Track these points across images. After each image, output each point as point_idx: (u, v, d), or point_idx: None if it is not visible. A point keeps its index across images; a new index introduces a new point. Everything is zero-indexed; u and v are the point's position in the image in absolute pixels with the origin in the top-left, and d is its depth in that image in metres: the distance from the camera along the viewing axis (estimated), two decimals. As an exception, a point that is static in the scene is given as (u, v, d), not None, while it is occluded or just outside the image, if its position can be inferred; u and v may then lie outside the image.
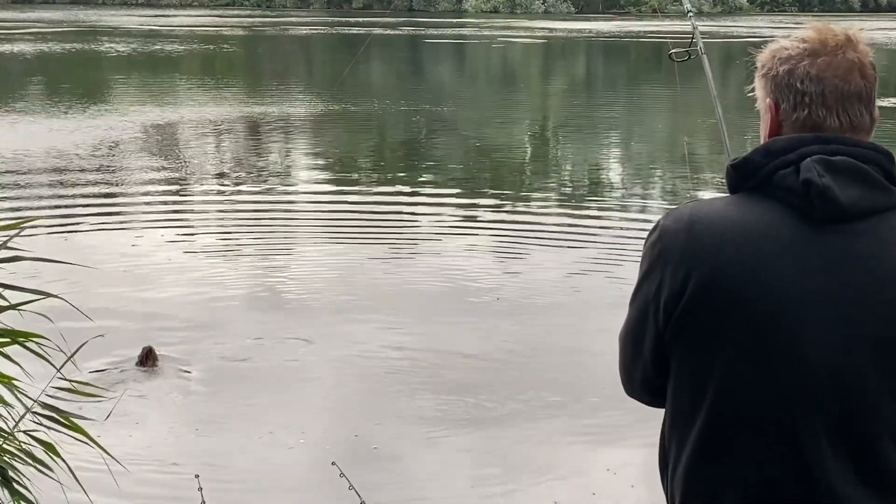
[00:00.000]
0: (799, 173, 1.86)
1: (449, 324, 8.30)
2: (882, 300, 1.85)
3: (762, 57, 2.02)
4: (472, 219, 12.67)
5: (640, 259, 2.03)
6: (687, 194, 14.14)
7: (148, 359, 7.22)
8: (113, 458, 3.51)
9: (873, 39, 2.03)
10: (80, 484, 3.39)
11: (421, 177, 15.74)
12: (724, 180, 2.01)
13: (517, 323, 8.41)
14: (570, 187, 15.91)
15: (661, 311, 1.94)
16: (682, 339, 1.94)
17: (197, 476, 4.14)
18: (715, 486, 1.93)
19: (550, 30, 54.17)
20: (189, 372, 7.30)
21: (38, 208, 12.47)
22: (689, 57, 4.39)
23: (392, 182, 15.16)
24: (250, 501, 5.48)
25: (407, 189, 14.50)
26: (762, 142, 2.00)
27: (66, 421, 3.35)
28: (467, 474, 5.89)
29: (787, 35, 2.02)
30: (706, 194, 13.52)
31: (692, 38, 4.39)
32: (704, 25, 42.53)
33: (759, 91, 2.03)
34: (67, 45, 39.69)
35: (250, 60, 39.41)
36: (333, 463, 4.02)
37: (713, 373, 1.90)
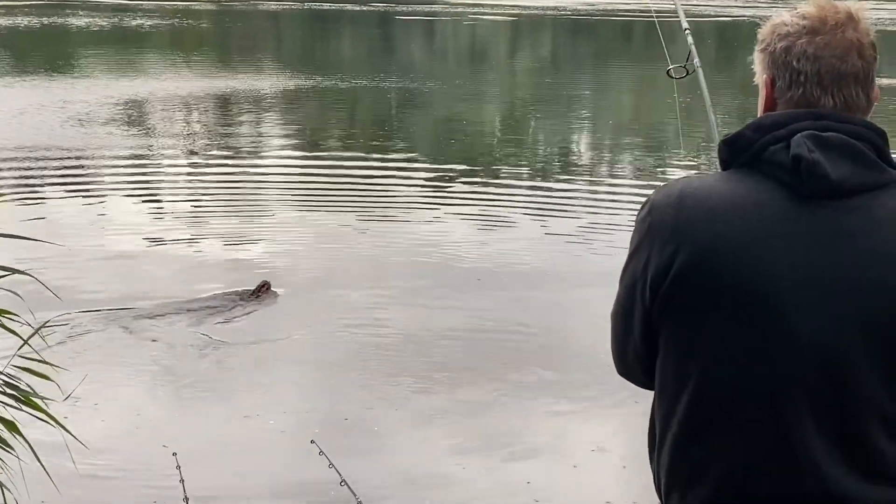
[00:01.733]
0: (790, 149, 1.85)
1: (428, 298, 8.33)
2: (871, 278, 1.83)
3: (763, 31, 2.00)
4: (445, 191, 12.70)
5: (626, 235, 2.01)
6: (659, 167, 14.19)
7: (262, 290, 7.64)
8: (76, 438, 3.50)
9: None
10: (39, 461, 3.38)
11: (393, 151, 15.70)
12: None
13: (496, 297, 8.45)
14: (541, 161, 15.96)
15: (649, 288, 1.93)
16: (669, 315, 1.92)
17: (175, 454, 4.12)
18: (700, 465, 1.92)
19: (522, 7, 53.94)
20: (164, 347, 7.27)
21: (4, 185, 12.33)
22: (687, 74, 4.39)
23: (364, 156, 15.08)
24: (228, 480, 5.44)
25: (378, 163, 14.50)
26: (758, 117, 2.00)
27: (25, 399, 3.34)
28: (449, 450, 5.90)
29: (790, 7, 2.00)
30: (679, 172, 13.59)
31: (689, 55, 4.39)
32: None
33: (758, 66, 2.02)
34: (35, 19, 39.17)
35: (220, 35, 39.04)
36: (312, 441, 4.02)
37: (699, 350, 1.89)
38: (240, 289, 8.23)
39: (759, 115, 2.01)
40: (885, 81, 24.61)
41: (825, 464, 1.85)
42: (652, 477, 2.06)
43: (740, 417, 1.88)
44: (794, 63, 1.93)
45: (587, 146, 17.66)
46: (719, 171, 2.00)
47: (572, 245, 9.99)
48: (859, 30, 1.93)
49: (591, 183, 13.67)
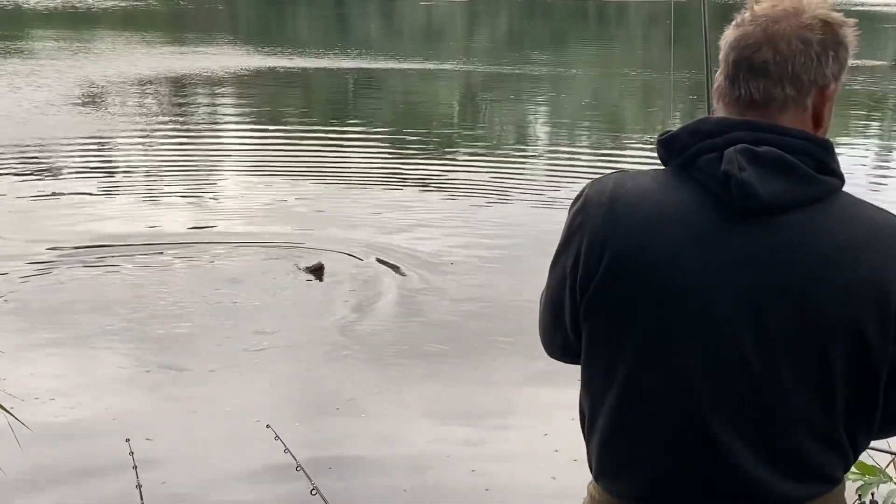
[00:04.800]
0: (721, 160, 1.80)
1: (394, 277, 8.34)
2: (797, 296, 1.79)
3: (722, 49, 1.97)
4: (401, 170, 12.79)
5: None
6: (615, 144, 14.27)
7: (318, 272, 8.00)
8: (21, 422, 3.43)
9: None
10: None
11: (351, 130, 15.71)
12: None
13: (462, 275, 8.50)
14: (496, 141, 16.06)
15: (577, 287, 1.91)
16: (595, 317, 1.91)
17: (128, 440, 4.05)
18: (624, 461, 1.94)
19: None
20: (123, 327, 7.21)
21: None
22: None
23: (322, 135, 15.08)
24: (183, 470, 5.36)
25: (336, 141, 14.51)
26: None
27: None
28: (422, 424, 5.89)
29: None
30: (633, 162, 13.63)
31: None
32: (631, -17, 42.73)
33: (720, 66, 1.97)
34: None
35: (174, 15, 38.72)
36: (268, 426, 3.96)
37: (623, 354, 1.88)
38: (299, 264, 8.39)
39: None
40: (857, 62, 24.90)
41: (749, 467, 1.85)
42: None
43: (663, 421, 1.87)
44: (720, 54, 1.91)
45: (542, 126, 17.74)
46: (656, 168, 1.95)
47: (530, 225, 10.02)
48: (789, 25, 1.86)
49: (550, 161, 13.80)
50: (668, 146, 1.89)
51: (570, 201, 1.98)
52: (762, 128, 1.83)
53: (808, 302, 1.79)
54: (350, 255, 8.87)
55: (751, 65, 1.86)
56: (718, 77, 1.92)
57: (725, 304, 1.81)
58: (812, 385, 1.82)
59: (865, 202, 1.88)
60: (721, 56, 1.91)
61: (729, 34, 1.90)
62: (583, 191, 1.94)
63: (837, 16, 1.89)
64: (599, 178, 1.96)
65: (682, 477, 1.88)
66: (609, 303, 1.87)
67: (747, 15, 1.89)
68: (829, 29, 1.87)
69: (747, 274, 1.80)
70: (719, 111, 1.92)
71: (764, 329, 1.80)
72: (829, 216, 1.82)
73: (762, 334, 1.80)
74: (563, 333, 2.02)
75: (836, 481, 1.93)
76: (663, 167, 1.92)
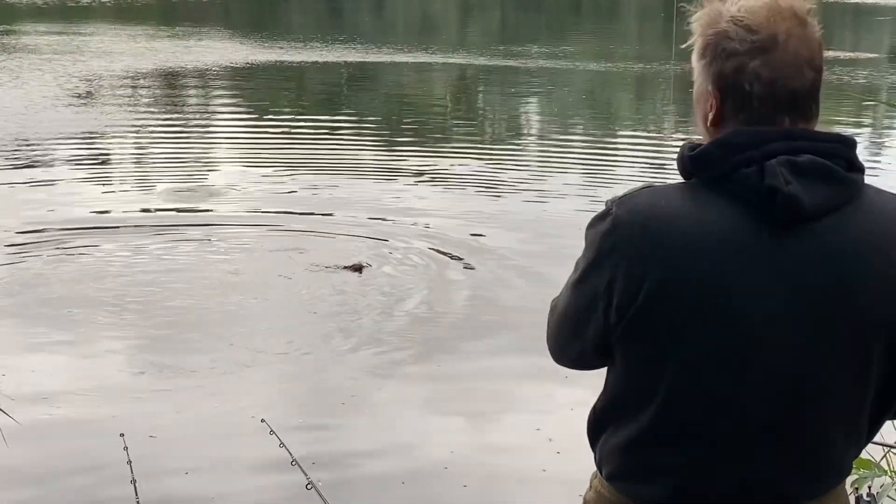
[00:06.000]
0: (763, 174, 1.77)
1: (388, 271, 8.31)
2: (842, 301, 1.80)
3: (700, 32, 1.88)
4: (396, 160, 12.81)
5: (581, 202, 1.95)
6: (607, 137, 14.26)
7: (357, 271, 8.06)
8: (11, 417, 3.41)
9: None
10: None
11: (343, 121, 15.70)
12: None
13: (457, 268, 8.48)
14: (490, 132, 16.08)
15: (614, 310, 1.87)
16: (634, 339, 1.88)
17: (122, 435, 4.04)
18: (655, 469, 1.94)
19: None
20: (118, 318, 7.20)
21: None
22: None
23: (314, 127, 15.08)
24: (178, 465, 5.34)
25: (329, 133, 14.53)
26: (700, 125, 1.91)
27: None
28: (419, 418, 5.89)
29: None
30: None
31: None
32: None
33: (699, 76, 1.90)
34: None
35: (166, 8, 38.63)
36: (263, 420, 3.96)
37: (665, 374, 1.86)
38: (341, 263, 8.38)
39: (701, 124, 1.91)
40: (852, 54, 24.90)
41: (785, 476, 1.88)
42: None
43: (704, 437, 1.88)
44: (747, 86, 1.82)
45: (536, 118, 17.76)
46: (681, 181, 1.90)
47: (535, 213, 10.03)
48: (808, 35, 1.83)
49: (541, 154, 13.81)
50: (700, 161, 1.84)
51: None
52: (798, 135, 1.81)
53: (852, 305, 1.80)
54: (352, 236, 8.87)
55: (797, 93, 1.82)
56: (742, 105, 1.84)
57: (773, 318, 1.80)
58: (852, 387, 1.85)
59: (886, 192, 1.89)
60: (742, 83, 1.82)
61: (757, 65, 1.81)
62: (609, 210, 1.88)
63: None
64: (625, 195, 1.90)
65: (709, 483, 1.89)
66: (652, 326, 1.84)
67: (758, 38, 1.80)
68: (819, 35, 1.87)
69: (795, 283, 1.80)
70: (734, 126, 1.85)
71: (814, 337, 1.81)
72: (860, 215, 1.81)
73: (813, 342, 1.81)
74: (579, 348, 2.00)
75: (848, 472, 1.96)
76: (685, 180, 1.88)
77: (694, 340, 1.83)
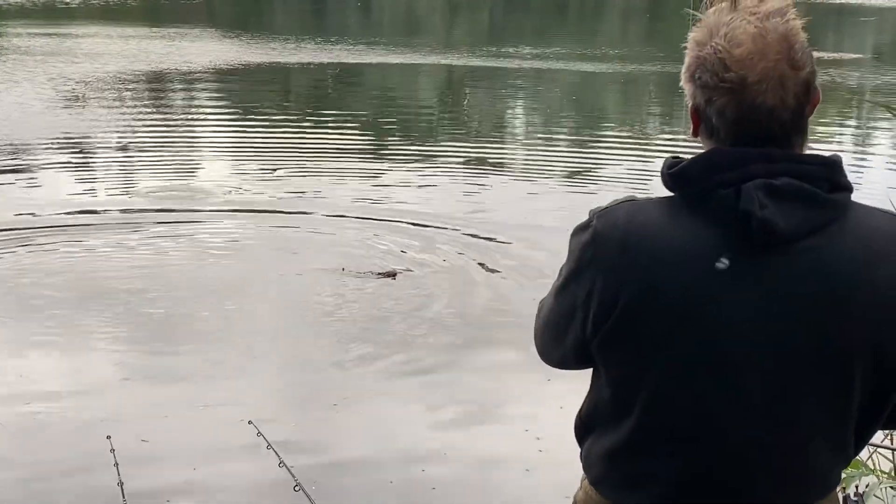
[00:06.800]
0: (739, 196, 1.77)
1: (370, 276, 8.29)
2: (821, 322, 1.80)
3: (689, 48, 1.87)
4: (381, 161, 12.81)
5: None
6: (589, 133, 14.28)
7: (392, 275, 8.06)
8: None
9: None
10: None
11: (329, 124, 15.70)
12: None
13: (446, 268, 8.49)
14: (474, 131, 16.11)
15: (590, 321, 1.88)
16: (611, 350, 1.90)
17: (109, 437, 4.04)
18: (636, 478, 1.95)
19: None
20: (105, 317, 7.18)
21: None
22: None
23: (300, 129, 15.07)
24: (166, 467, 5.32)
25: (314, 133, 14.52)
26: (691, 133, 1.91)
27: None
28: (410, 419, 5.89)
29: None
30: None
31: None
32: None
33: (686, 87, 1.89)
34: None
35: (151, 8, 38.53)
36: (250, 422, 3.95)
37: (641, 386, 1.88)
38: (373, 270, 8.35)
39: (692, 133, 1.91)
40: (836, 55, 24.99)
41: (766, 486, 1.88)
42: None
43: (682, 449, 1.89)
44: (713, 119, 1.83)
45: (520, 118, 17.80)
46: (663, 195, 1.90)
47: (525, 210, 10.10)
48: (787, 77, 1.79)
49: (527, 153, 13.84)
50: (679, 180, 1.84)
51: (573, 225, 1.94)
52: (777, 158, 1.80)
53: (831, 326, 1.80)
54: (342, 236, 8.88)
55: (765, 133, 1.81)
56: (711, 134, 1.84)
57: (747, 336, 1.80)
58: (834, 404, 1.85)
59: (876, 210, 1.87)
60: (710, 115, 1.83)
61: (723, 103, 1.80)
62: (590, 221, 1.90)
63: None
64: (607, 207, 1.91)
65: (697, 493, 1.89)
66: (628, 339, 1.86)
67: (731, 77, 1.79)
68: (809, 48, 1.84)
69: (770, 304, 1.79)
70: (717, 143, 1.86)
71: (788, 355, 1.81)
72: (845, 235, 1.80)
73: (786, 361, 1.81)
74: (562, 353, 2.02)
75: (836, 485, 1.96)
76: (670, 193, 1.88)
77: (669, 353, 1.84)
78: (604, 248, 1.86)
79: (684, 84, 1.88)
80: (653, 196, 1.91)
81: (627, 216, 1.86)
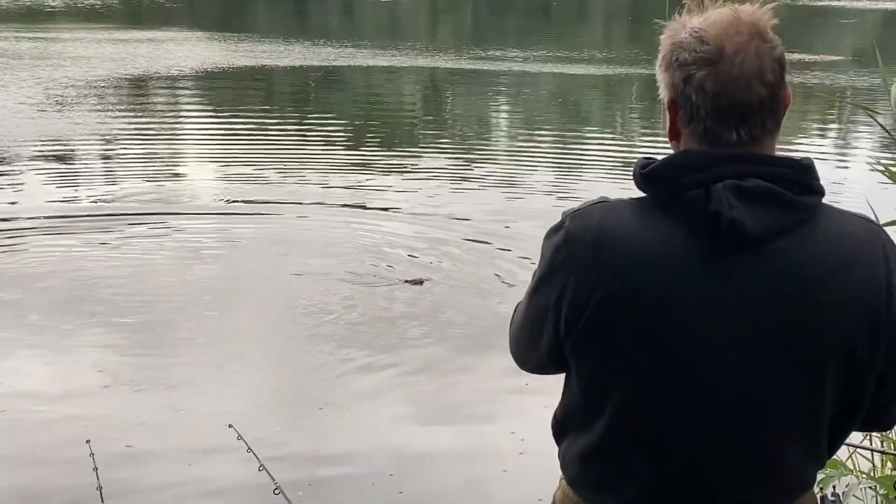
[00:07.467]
0: (709, 197, 1.78)
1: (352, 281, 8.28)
2: (791, 324, 1.81)
3: (663, 44, 1.89)
4: (362, 165, 12.77)
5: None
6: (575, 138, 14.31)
7: (419, 283, 8.07)
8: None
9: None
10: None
11: (310, 128, 15.69)
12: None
13: (427, 267, 8.51)
14: (458, 135, 16.13)
15: (563, 323, 1.89)
16: (582, 351, 1.91)
17: (88, 441, 4.01)
18: (608, 480, 1.96)
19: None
20: (88, 325, 7.14)
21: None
22: None
23: (284, 135, 15.06)
24: (146, 472, 5.31)
25: (299, 139, 14.51)
26: (668, 134, 1.92)
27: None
28: (393, 422, 5.90)
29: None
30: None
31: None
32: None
33: (661, 83, 1.91)
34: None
35: (132, 11, 38.41)
36: (230, 426, 3.93)
37: (612, 389, 1.88)
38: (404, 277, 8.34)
39: (668, 138, 1.93)
40: (816, 57, 25.09)
41: (737, 487, 1.89)
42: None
43: (653, 451, 1.90)
44: (693, 97, 1.84)
45: (503, 121, 17.84)
46: (636, 197, 1.91)
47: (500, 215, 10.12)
48: (762, 51, 1.82)
49: (509, 156, 13.89)
50: (650, 181, 1.85)
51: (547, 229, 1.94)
52: (747, 159, 1.81)
53: (802, 328, 1.81)
54: (328, 235, 8.87)
55: (744, 107, 1.82)
56: (691, 116, 1.85)
57: (719, 336, 1.81)
58: (806, 405, 1.85)
59: (847, 214, 1.88)
60: (689, 94, 1.83)
61: (702, 76, 1.82)
62: (562, 222, 1.91)
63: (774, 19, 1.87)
64: (580, 209, 1.92)
65: (671, 494, 1.90)
66: (600, 340, 1.87)
67: (707, 49, 1.81)
68: (778, 37, 1.86)
69: (740, 305, 1.80)
70: (691, 144, 1.87)
71: (759, 357, 1.82)
72: (817, 237, 1.82)
73: (758, 362, 1.82)
74: (537, 357, 2.03)
75: (811, 485, 1.97)
76: (642, 194, 1.89)
77: (640, 354, 1.84)
78: (576, 250, 1.86)
79: (660, 76, 1.89)
80: (624, 197, 1.91)
81: (600, 217, 1.87)
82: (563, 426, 2.02)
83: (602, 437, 1.92)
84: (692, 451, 1.87)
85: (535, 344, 1.99)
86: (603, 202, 1.91)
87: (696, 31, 1.82)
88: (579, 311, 1.86)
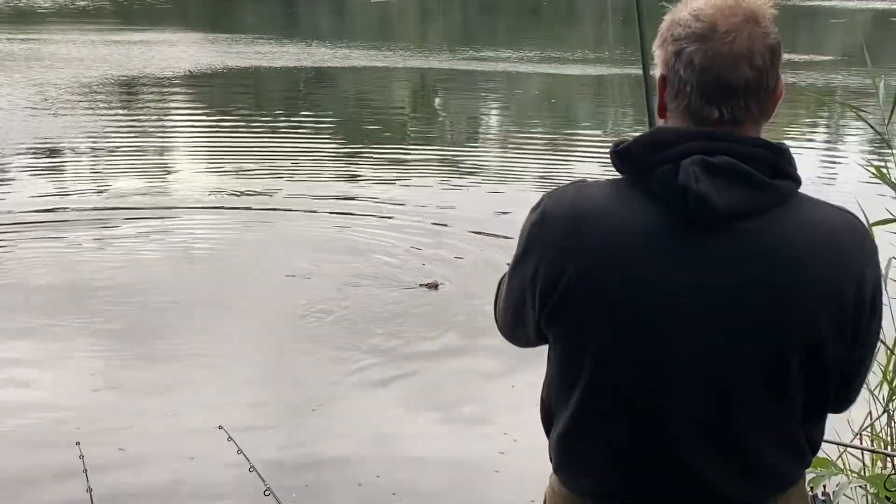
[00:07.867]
0: (678, 172, 1.80)
1: (345, 278, 8.28)
2: (759, 304, 1.81)
3: (664, 23, 1.92)
4: (354, 167, 12.79)
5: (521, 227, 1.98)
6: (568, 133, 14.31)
7: (434, 287, 8.08)
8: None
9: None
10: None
11: (301, 128, 15.68)
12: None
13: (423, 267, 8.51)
14: (449, 135, 16.14)
15: (537, 299, 1.92)
16: (557, 326, 1.93)
17: (78, 443, 3.99)
18: (583, 459, 1.97)
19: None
20: (79, 326, 7.11)
21: None
22: None
23: (274, 133, 15.05)
24: (136, 474, 5.29)
25: (289, 140, 14.52)
26: (658, 111, 1.94)
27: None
28: (383, 422, 5.89)
29: None
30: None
31: None
32: (583, -21, 42.92)
33: (657, 59, 1.94)
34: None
35: (122, 11, 38.34)
36: (220, 427, 3.91)
37: (585, 364, 1.90)
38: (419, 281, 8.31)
39: (656, 112, 1.95)
40: (805, 57, 25.12)
41: (706, 471, 1.88)
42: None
43: (625, 427, 1.90)
44: (681, 71, 1.86)
45: (494, 121, 17.86)
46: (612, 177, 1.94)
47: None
48: (755, 34, 1.83)
49: (500, 154, 13.89)
50: (624, 158, 1.87)
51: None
52: (717, 137, 1.82)
53: (770, 309, 1.82)
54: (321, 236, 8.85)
55: (728, 86, 1.83)
56: (677, 91, 1.87)
57: (686, 317, 1.82)
58: (774, 390, 1.85)
59: (823, 203, 1.89)
60: (678, 68, 1.86)
61: (692, 50, 1.84)
62: (541, 202, 1.94)
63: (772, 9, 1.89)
64: (557, 189, 1.95)
65: (639, 477, 1.91)
66: (571, 315, 1.89)
67: (701, 25, 1.84)
68: (776, 27, 1.88)
69: (710, 283, 1.81)
70: (675, 121, 1.90)
71: (727, 336, 1.82)
72: (788, 221, 1.83)
73: (726, 341, 1.82)
74: (523, 334, 2.06)
75: (794, 481, 1.96)
76: (619, 175, 1.91)
77: (609, 330, 1.86)
78: (550, 227, 1.90)
79: (656, 50, 1.93)
80: (602, 178, 1.95)
81: (574, 196, 1.91)
82: (547, 410, 2.03)
83: (574, 414, 1.94)
84: (663, 431, 1.87)
85: (520, 322, 2.02)
86: (579, 182, 1.95)
87: (694, 10, 1.86)
88: (553, 287, 1.88)
